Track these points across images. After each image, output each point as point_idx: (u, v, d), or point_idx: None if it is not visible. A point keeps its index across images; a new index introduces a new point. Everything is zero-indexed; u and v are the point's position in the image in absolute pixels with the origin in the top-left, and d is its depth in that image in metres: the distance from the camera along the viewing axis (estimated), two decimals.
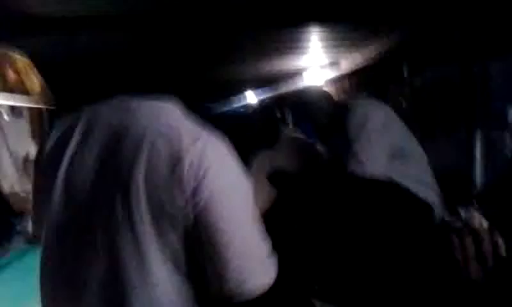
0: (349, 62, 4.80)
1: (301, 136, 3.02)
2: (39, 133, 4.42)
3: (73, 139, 1.18)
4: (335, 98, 5.58)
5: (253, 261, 1.14)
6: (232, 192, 1.13)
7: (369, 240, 2.58)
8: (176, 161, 1.08)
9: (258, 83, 7.36)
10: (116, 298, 1.08)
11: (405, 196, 2.61)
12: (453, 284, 1.40)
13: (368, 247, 2.59)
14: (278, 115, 4.78)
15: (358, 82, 5.14)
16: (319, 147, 2.98)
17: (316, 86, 3.75)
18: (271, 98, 7.18)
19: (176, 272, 1.10)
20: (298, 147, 3.25)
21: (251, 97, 7.70)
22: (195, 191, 1.07)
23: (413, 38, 3.53)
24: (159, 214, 1.07)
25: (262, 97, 7.52)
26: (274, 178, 2.81)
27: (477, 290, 1.02)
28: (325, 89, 5.71)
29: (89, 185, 1.14)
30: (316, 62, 5.27)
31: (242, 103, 7.92)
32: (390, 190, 2.58)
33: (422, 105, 3.74)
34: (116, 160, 1.12)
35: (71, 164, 1.16)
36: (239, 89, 7.69)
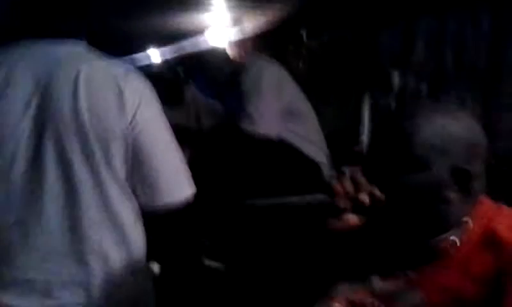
0: (251, 23, 4.79)
1: (201, 95, 3.01)
2: None
3: None
4: (237, 58, 5.61)
5: (179, 175, 1.38)
6: (159, 118, 1.36)
7: (260, 198, 2.65)
8: (118, 91, 1.25)
9: (161, 40, 7.19)
10: (75, 220, 1.25)
11: (295, 154, 2.69)
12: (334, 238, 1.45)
13: (259, 205, 2.65)
14: (181, 74, 4.72)
15: (260, 43, 5.15)
16: (217, 105, 2.98)
17: (216, 46, 3.71)
18: (173, 56, 7.03)
19: (123, 191, 1.29)
20: (199, 106, 3.23)
21: (154, 55, 7.51)
22: (133, 117, 1.26)
23: (312, 2, 3.59)
24: (106, 139, 1.24)
25: (165, 55, 7.34)
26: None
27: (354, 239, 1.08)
28: (227, 49, 5.68)
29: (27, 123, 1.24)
30: (219, 21, 5.21)
31: (145, 60, 7.72)
32: (281, 148, 2.64)
33: (318, 68, 3.84)
34: (52, 98, 1.23)
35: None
36: (142, 46, 7.49)
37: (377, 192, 1.04)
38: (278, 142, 2.62)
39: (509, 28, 2.15)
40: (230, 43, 5.68)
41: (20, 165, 1.23)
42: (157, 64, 7.66)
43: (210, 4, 4.43)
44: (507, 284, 0.92)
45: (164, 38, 6.99)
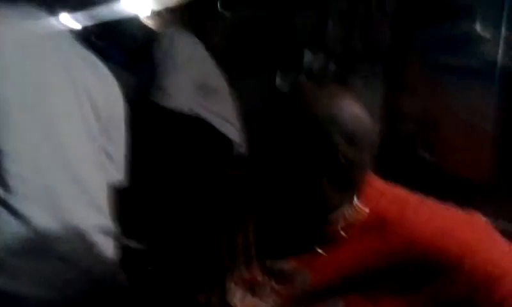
0: None
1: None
2: None
3: None
4: (151, 27, 5.47)
5: None
6: None
7: (171, 171, 2.61)
8: None
9: (76, 7, 6.89)
10: None
11: (207, 129, 2.67)
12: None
13: (171, 179, 2.62)
14: (93, 39, 4.54)
15: (176, 15, 5.05)
16: (127, 73, 2.88)
17: (132, 15, 3.59)
18: (87, 23, 6.75)
19: None
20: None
21: (69, 21, 7.21)
22: None
23: None
24: None
25: (80, 22, 7.05)
26: None
27: None
28: (142, 19, 5.53)
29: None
30: None
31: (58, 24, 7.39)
32: (193, 123, 2.62)
33: (233, 43, 3.82)
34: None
35: None
36: (54, 9, 7.15)
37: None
38: (190, 117, 2.59)
39: (413, 12, 2.23)
40: (147, 13, 5.56)
41: None
42: (70, 30, 7.36)
43: None
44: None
45: (79, 4, 6.72)
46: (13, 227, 1.16)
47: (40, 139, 1.23)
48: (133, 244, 2.57)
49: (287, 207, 1.07)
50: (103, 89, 1.43)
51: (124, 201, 2.51)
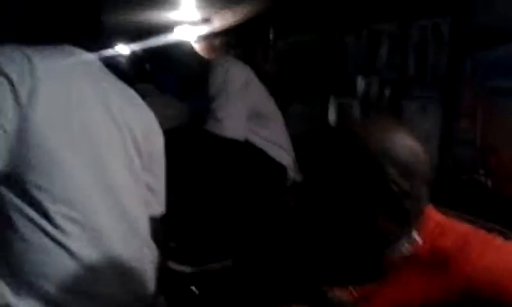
0: (220, 20, 4.79)
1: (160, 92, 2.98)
2: None
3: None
4: (203, 55, 5.60)
5: None
6: None
7: (225, 198, 2.65)
8: None
9: (130, 35, 7.12)
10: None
11: (260, 156, 2.70)
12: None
13: (225, 205, 2.66)
14: (148, 69, 4.68)
15: (228, 41, 5.16)
16: (182, 103, 2.95)
17: (183, 41, 3.68)
18: (141, 51, 6.96)
19: None
20: (163, 102, 3.20)
21: (123, 49, 7.45)
22: None
23: (281, 3, 3.61)
24: None
25: (133, 50, 7.28)
26: None
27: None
28: (194, 45, 5.66)
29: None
30: (188, 18, 5.20)
31: (114, 56, 7.64)
32: (246, 150, 2.65)
33: (284, 70, 3.86)
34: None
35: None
36: (110, 40, 7.40)
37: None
38: (243, 144, 2.63)
39: (467, 36, 2.19)
40: (198, 41, 5.70)
41: None
42: (125, 60, 7.61)
43: (179, 2, 4.42)
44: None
45: (133, 35, 6.94)
46: (66, 264, 1.21)
47: (89, 180, 1.26)
48: (183, 268, 2.61)
49: (342, 239, 1.07)
50: (142, 123, 1.44)
51: (174, 228, 2.57)
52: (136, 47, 7.07)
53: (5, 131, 1.13)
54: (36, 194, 1.16)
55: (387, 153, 1.00)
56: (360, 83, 2.88)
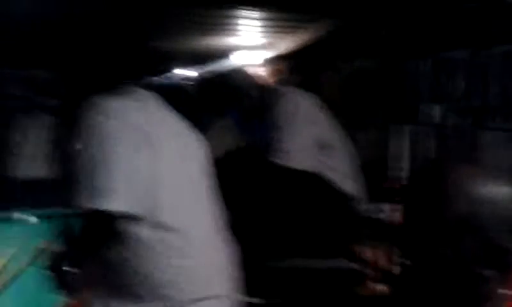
0: (281, 45, 4.77)
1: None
2: None
3: None
4: (265, 81, 5.58)
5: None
6: None
7: (289, 227, 2.58)
8: None
9: (189, 61, 7.25)
10: None
11: (328, 187, 2.63)
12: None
13: (288, 234, 2.59)
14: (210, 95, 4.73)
15: (290, 66, 5.12)
16: (240, 131, 2.91)
17: (241, 68, 3.67)
18: (200, 77, 7.07)
19: None
20: (220, 130, 3.18)
21: (186, 74, 7.61)
22: None
23: (345, 28, 3.53)
24: None
25: (196, 75, 7.42)
26: None
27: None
28: (255, 71, 5.67)
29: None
30: (248, 43, 5.21)
31: (177, 79, 7.83)
32: (313, 180, 2.59)
33: (350, 95, 3.78)
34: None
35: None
36: (174, 66, 7.58)
37: (408, 263, 0.99)
38: (310, 175, 2.57)
39: None
40: (260, 66, 5.69)
41: None
42: (188, 83, 7.77)
43: (242, 27, 4.43)
44: None
45: (197, 60, 7.05)
46: (189, 276, 1.38)
47: (188, 203, 1.41)
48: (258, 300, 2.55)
49: (435, 299, 1.00)
50: (201, 153, 1.57)
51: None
52: (199, 72, 7.22)
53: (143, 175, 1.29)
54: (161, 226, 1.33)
55: (492, 210, 0.93)
56: (434, 111, 2.76)
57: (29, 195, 3.62)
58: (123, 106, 1.36)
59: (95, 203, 1.24)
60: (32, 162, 3.94)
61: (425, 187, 1.04)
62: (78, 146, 1.27)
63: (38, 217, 3.02)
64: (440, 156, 2.78)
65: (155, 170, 1.33)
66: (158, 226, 1.32)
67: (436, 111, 2.73)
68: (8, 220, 3.00)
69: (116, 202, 1.25)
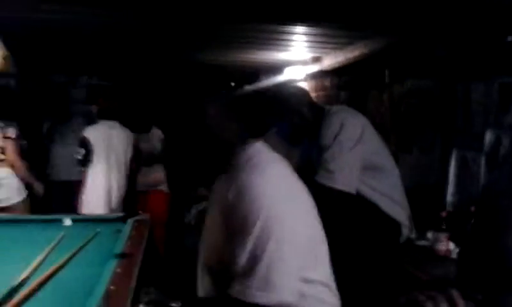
0: (330, 59, 4.70)
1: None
2: None
3: None
4: (314, 93, 5.52)
5: None
6: None
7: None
8: None
9: (243, 76, 7.33)
10: None
11: (373, 211, 2.54)
12: None
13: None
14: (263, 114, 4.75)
15: (338, 81, 5.05)
16: (292, 148, 2.86)
17: (294, 84, 3.61)
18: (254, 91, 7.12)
19: None
20: (272, 145, 3.13)
21: (237, 89, 7.72)
22: None
23: (398, 46, 3.44)
24: None
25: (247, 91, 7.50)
26: None
27: None
28: (305, 83, 5.63)
29: None
30: (299, 58, 5.17)
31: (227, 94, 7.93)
32: (358, 203, 2.51)
33: (400, 115, 3.67)
34: None
35: None
36: (225, 79, 7.68)
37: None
38: (355, 196, 2.49)
39: None
40: (308, 80, 5.64)
41: None
42: (238, 97, 7.86)
43: (290, 42, 4.41)
44: None
45: (248, 74, 7.11)
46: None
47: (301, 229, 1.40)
48: None
49: None
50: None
51: None
52: (251, 87, 7.25)
53: None
54: None
55: None
56: (489, 137, 2.62)
57: None
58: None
59: None
60: None
61: (485, 239, 0.95)
62: None
63: (72, 220, 3.09)
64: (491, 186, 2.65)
65: None
66: None
67: (491, 137, 2.60)
68: (47, 221, 3.09)
69: None
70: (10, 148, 3.97)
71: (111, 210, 4.24)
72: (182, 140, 1.61)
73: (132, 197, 4.60)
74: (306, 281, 1.34)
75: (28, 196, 4.15)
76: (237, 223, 1.33)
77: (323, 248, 1.45)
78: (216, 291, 1.50)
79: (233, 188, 1.38)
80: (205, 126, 1.50)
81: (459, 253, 1.10)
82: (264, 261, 1.28)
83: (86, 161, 4.34)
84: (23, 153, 4.20)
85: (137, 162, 4.66)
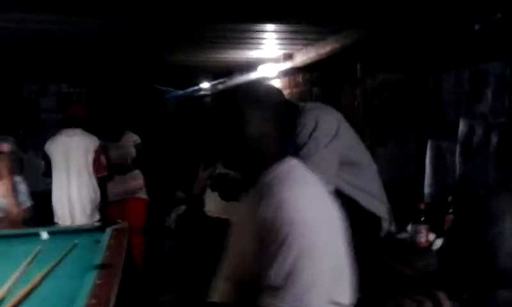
0: (302, 56, 4.71)
1: None
2: None
3: None
4: (287, 90, 5.52)
5: None
6: None
7: None
8: None
9: (214, 73, 7.30)
10: None
11: (352, 206, 2.54)
12: None
13: None
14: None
15: (311, 77, 5.06)
16: None
17: (270, 86, 3.58)
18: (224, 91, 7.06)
19: None
20: None
21: (207, 87, 7.68)
22: None
23: (369, 40, 3.45)
24: None
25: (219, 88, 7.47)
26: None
27: None
28: (277, 81, 5.64)
29: None
30: (271, 55, 5.17)
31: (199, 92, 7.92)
32: (337, 199, 2.50)
33: (374, 109, 3.69)
34: None
35: None
36: (195, 78, 7.64)
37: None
38: (334, 193, 2.48)
39: None
40: (281, 77, 5.64)
41: None
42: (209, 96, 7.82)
43: (261, 40, 4.40)
44: None
45: (218, 73, 7.08)
46: None
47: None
48: None
49: None
50: None
51: None
52: (222, 85, 7.23)
53: None
54: None
55: None
56: (462, 127, 2.65)
57: None
58: None
59: None
60: None
61: (468, 234, 0.95)
62: None
63: (49, 233, 3.04)
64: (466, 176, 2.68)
65: None
66: None
67: (464, 126, 2.62)
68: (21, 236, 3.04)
69: None
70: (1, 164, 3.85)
71: (75, 220, 4.26)
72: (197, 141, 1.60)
73: (104, 206, 4.54)
74: (335, 304, 1.35)
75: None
76: (274, 238, 1.32)
77: (349, 272, 1.44)
78: (235, 299, 1.49)
79: (271, 203, 1.36)
80: (245, 134, 1.44)
81: (440, 250, 1.11)
82: (298, 280, 1.29)
83: (47, 173, 4.42)
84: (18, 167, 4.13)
85: (109, 169, 4.59)
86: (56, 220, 4.32)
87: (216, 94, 3.29)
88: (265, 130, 1.44)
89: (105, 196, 4.58)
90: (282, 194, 1.37)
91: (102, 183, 4.53)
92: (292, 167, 1.49)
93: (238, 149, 1.44)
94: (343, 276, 1.39)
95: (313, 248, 1.31)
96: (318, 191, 1.48)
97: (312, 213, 1.35)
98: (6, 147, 3.87)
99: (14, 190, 3.73)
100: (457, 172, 2.73)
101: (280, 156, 1.49)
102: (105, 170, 4.53)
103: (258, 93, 1.52)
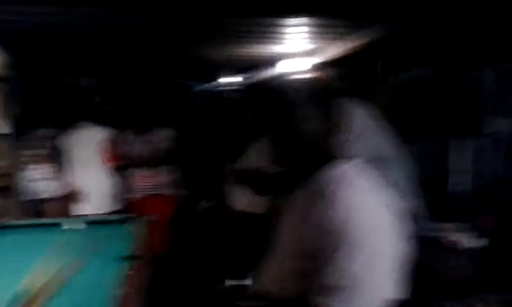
0: (330, 51, 4.68)
1: None
2: None
3: None
4: (318, 91, 5.47)
5: None
6: None
7: None
8: None
9: (239, 69, 7.29)
10: None
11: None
12: None
13: None
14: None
15: (338, 72, 5.02)
16: None
17: (293, 77, 3.57)
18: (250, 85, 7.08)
19: None
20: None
21: (233, 82, 7.70)
22: None
23: (397, 36, 3.41)
24: None
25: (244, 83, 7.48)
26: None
27: None
28: (302, 76, 5.58)
29: None
30: (295, 50, 5.14)
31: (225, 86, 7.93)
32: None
33: (405, 105, 3.64)
34: None
35: None
36: (217, 73, 7.65)
37: None
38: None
39: None
40: (305, 73, 5.61)
41: None
42: (234, 90, 7.81)
43: (286, 35, 4.37)
44: None
45: (243, 67, 7.07)
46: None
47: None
48: None
49: None
50: None
51: None
52: (247, 79, 7.22)
53: None
54: None
55: None
56: (490, 124, 2.61)
57: None
58: None
59: None
60: None
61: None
62: None
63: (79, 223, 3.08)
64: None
65: None
66: None
67: (500, 124, 2.58)
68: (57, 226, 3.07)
69: None
70: None
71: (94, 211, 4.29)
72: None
73: (130, 198, 4.56)
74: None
75: None
76: (328, 238, 1.33)
77: (398, 274, 1.44)
78: (280, 291, 1.50)
79: (325, 203, 1.38)
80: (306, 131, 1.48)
81: (481, 250, 1.09)
82: (351, 282, 1.30)
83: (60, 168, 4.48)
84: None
85: (128, 160, 4.62)
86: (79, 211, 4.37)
87: (268, 90, 3.28)
88: (322, 127, 1.44)
89: (129, 187, 4.60)
90: (339, 197, 1.39)
91: (119, 173, 4.57)
92: (350, 170, 1.54)
93: (294, 145, 1.44)
94: (394, 280, 1.40)
95: (365, 252, 1.32)
96: (375, 197, 1.51)
97: (369, 218, 1.37)
98: None
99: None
100: (493, 170, 2.69)
101: (334, 155, 1.49)
102: (118, 160, 4.57)
103: (315, 89, 1.53)
